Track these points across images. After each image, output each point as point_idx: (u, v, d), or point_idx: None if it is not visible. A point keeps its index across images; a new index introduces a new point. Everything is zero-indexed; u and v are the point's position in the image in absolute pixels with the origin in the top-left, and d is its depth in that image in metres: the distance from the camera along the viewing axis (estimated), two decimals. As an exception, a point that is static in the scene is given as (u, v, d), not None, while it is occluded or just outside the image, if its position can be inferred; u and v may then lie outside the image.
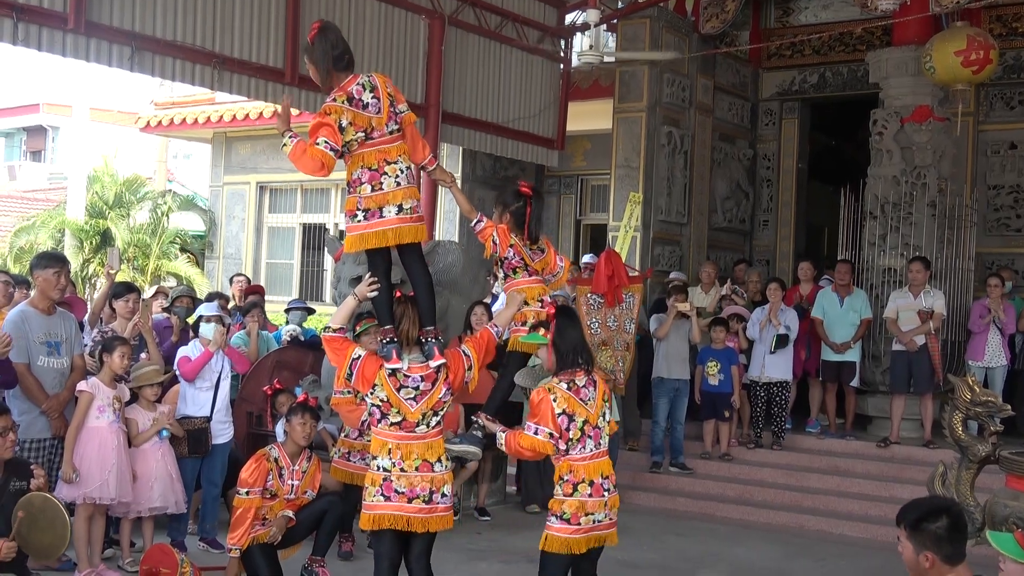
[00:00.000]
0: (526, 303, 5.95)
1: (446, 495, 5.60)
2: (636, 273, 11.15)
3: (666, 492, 10.68)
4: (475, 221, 6.14)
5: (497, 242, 6.02)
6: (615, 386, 10.41)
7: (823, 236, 17.31)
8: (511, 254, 6.03)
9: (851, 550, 9.06)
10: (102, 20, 8.72)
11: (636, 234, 12.38)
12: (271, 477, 6.80)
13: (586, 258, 13.69)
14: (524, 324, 5.92)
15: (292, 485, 6.91)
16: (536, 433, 5.51)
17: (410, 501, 5.47)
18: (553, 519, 5.63)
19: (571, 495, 5.61)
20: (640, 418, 11.60)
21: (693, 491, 10.66)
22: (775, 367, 11.01)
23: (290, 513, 6.86)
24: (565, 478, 5.62)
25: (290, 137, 5.46)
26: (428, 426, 5.56)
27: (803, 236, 15.54)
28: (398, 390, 5.50)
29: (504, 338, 6.06)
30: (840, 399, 11.51)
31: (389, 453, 5.50)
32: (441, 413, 5.65)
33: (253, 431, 9.22)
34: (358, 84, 5.55)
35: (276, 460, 6.88)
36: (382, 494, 5.48)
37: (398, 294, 5.81)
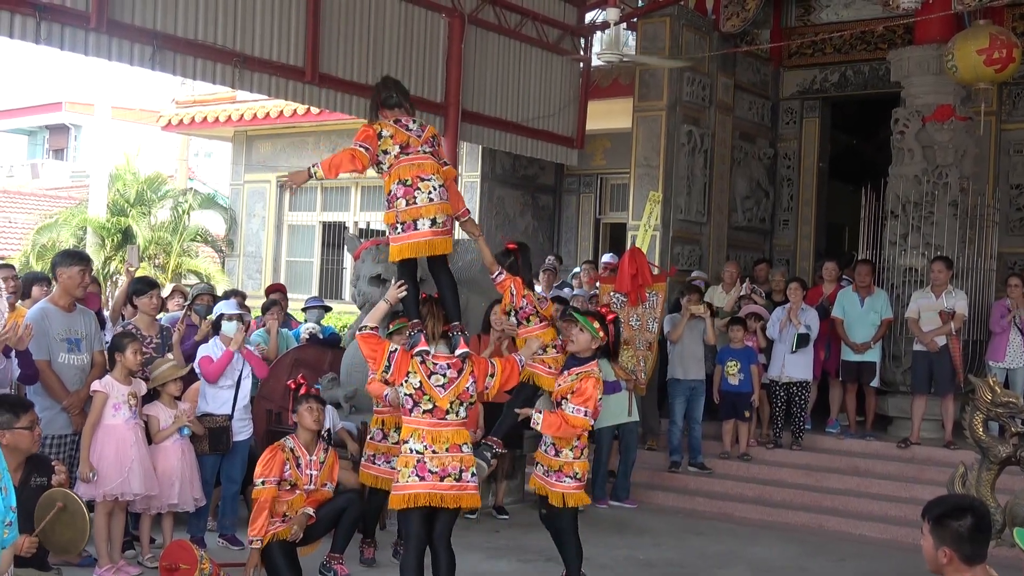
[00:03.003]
0: (543, 349, 6.85)
1: (474, 475, 6.04)
2: (659, 272, 11.10)
3: (685, 492, 10.66)
4: (496, 274, 6.94)
5: (514, 293, 6.89)
6: (636, 385, 10.40)
7: (844, 235, 17.23)
8: (524, 303, 6.91)
9: (871, 550, 9.02)
10: (124, 19, 8.76)
11: (656, 233, 12.35)
12: (288, 467, 6.82)
13: (606, 257, 13.67)
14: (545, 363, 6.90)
15: (311, 475, 6.93)
16: (587, 415, 6.55)
17: (442, 480, 5.89)
18: (568, 480, 6.68)
19: (580, 458, 6.70)
20: (659, 417, 11.59)
21: (712, 491, 10.64)
22: (795, 367, 10.97)
23: (310, 510, 6.89)
24: (577, 443, 6.67)
25: (313, 166, 6.16)
26: (457, 415, 6.00)
27: (823, 235, 15.49)
28: (429, 376, 5.96)
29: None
30: (860, 399, 11.46)
31: (421, 438, 5.92)
32: (467, 404, 6.09)
33: (272, 428, 9.23)
34: (410, 118, 6.51)
35: (292, 450, 6.90)
36: (416, 475, 5.89)
37: (423, 295, 6.51)
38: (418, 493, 5.89)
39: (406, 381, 5.93)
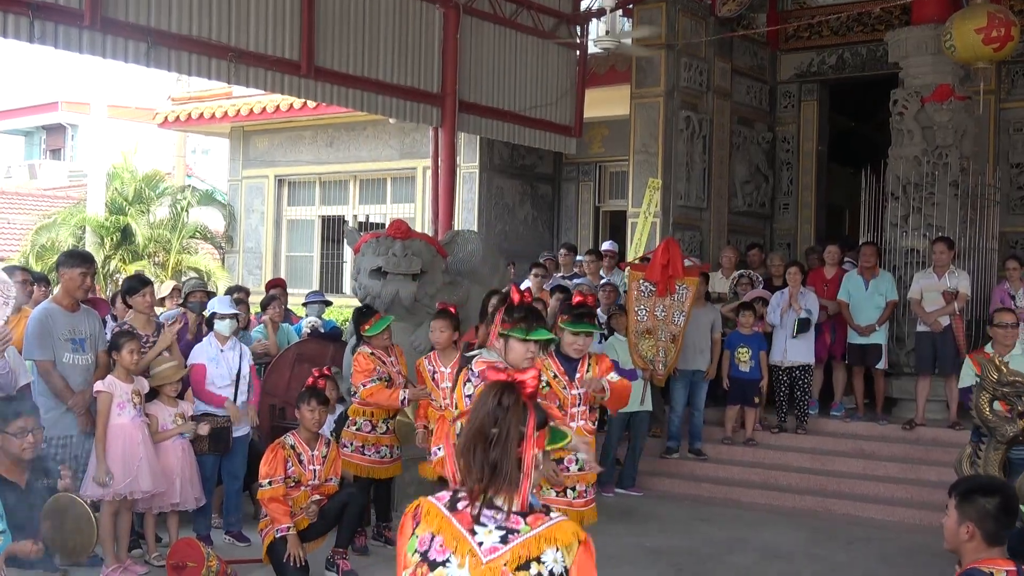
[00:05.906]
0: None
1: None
2: (693, 265, 10.93)
3: (691, 478, 10.65)
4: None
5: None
6: (654, 376, 10.36)
7: (844, 218, 17.19)
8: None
9: (878, 533, 9.00)
10: (118, 16, 8.71)
11: (655, 220, 12.32)
12: (290, 464, 6.78)
13: (605, 245, 13.64)
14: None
15: (314, 471, 6.90)
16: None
17: None
18: None
19: None
20: (664, 405, 11.57)
21: (718, 476, 10.63)
22: (797, 351, 10.95)
23: (318, 496, 6.88)
24: None
25: None
26: None
27: (824, 219, 15.44)
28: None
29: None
30: (868, 382, 11.42)
31: None
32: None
33: (276, 424, 9.22)
34: None
35: (293, 447, 6.87)
36: None
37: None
38: None
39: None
